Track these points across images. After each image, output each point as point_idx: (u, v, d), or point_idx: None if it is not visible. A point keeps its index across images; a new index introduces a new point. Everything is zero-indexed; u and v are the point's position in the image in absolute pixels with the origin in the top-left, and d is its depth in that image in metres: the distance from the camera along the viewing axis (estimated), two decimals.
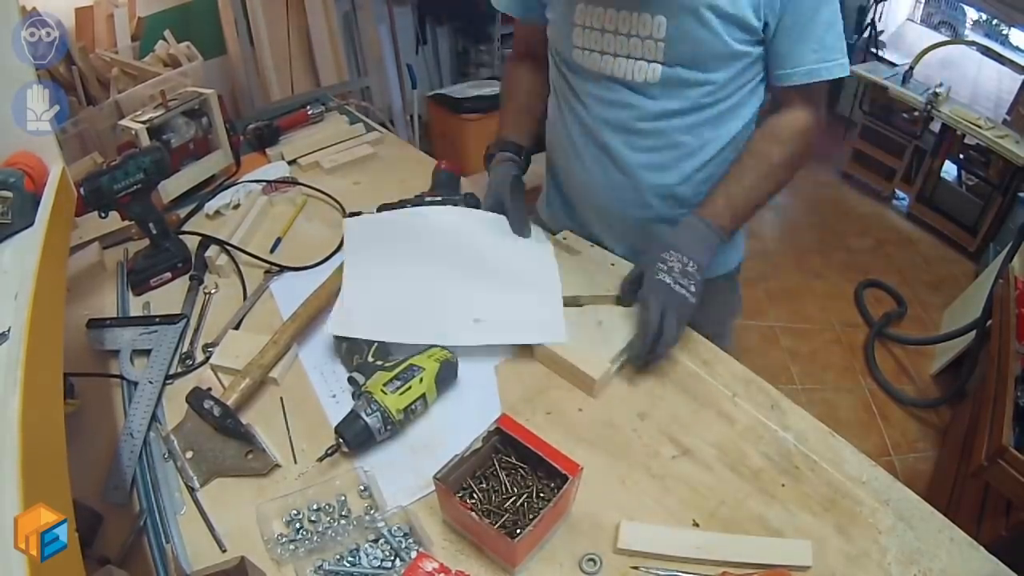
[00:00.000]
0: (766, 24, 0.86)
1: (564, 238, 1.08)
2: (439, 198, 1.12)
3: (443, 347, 0.86)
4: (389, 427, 0.78)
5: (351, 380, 0.85)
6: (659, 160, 0.98)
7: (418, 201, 1.12)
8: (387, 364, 0.83)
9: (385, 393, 0.78)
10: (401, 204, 1.12)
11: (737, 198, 0.92)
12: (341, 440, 0.76)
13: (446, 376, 0.84)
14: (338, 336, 0.89)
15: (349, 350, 0.87)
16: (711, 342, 0.95)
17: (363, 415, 0.77)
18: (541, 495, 0.69)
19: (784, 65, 0.90)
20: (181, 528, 0.71)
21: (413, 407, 0.80)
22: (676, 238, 0.90)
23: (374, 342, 0.86)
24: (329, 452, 0.76)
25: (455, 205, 1.11)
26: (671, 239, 0.90)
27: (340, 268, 1.00)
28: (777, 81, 0.92)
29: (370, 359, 0.85)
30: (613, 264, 1.02)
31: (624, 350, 0.89)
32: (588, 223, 1.12)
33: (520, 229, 1.05)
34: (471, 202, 1.13)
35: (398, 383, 0.80)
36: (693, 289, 0.86)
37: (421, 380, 0.81)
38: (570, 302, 0.95)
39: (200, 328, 0.97)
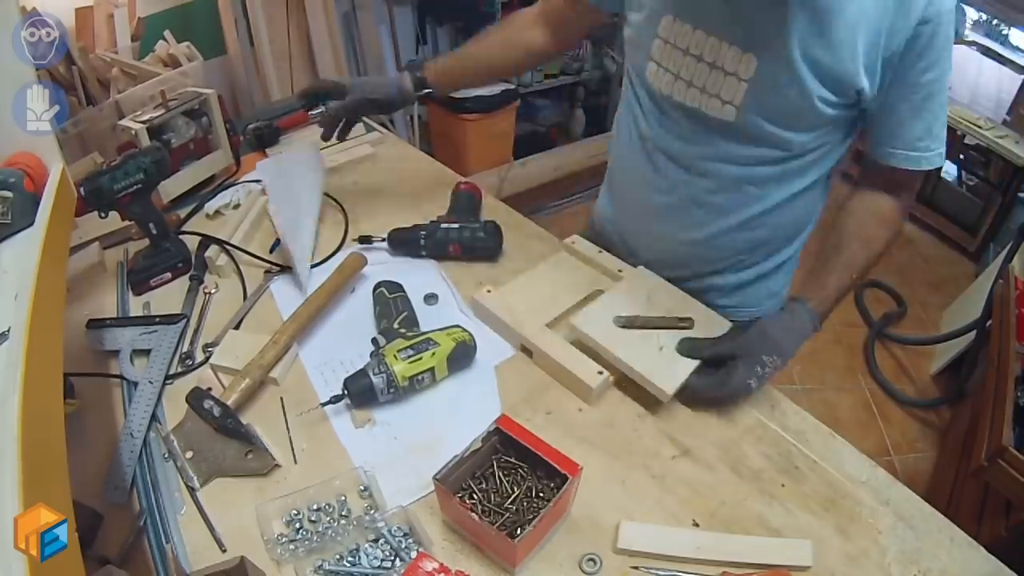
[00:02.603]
0: (863, 88, 0.77)
1: (573, 242, 1.07)
2: (456, 226, 1.07)
3: (464, 329, 0.88)
4: (392, 390, 0.82)
5: (374, 341, 0.90)
6: (714, 200, 0.92)
7: (434, 228, 1.08)
8: (409, 333, 0.88)
9: (396, 359, 0.83)
10: (416, 229, 1.08)
11: (843, 290, 0.88)
12: (346, 392, 0.81)
13: (459, 357, 0.87)
14: (377, 295, 0.96)
15: (381, 313, 0.93)
16: None
17: (371, 374, 0.82)
18: (541, 495, 0.69)
19: (883, 141, 0.84)
20: (181, 528, 0.71)
21: (420, 377, 0.84)
22: (782, 335, 0.84)
23: (404, 311, 0.92)
24: (333, 400, 0.81)
25: (473, 233, 1.07)
26: (777, 334, 0.84)
27: (340, 267, 1.00)
28: (879, 156, 0.85)
29: (395, 326, 0.90)
30: (673, 290, 0.97)
31: (687, 380, 0.84)
32: (633, 238, 1.07)
33: (327, 133, 1.09)
34: (490, 230, 1.07)
35: (411, 352, 0.84)
36: (767, 379, 0.84)
37: (433, 354, 0.85)
38: (627, 323, 0.89)
39: (200, 328, 0.97)
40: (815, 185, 0.93)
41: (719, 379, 0.83)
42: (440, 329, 0.88)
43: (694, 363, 0.85)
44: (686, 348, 0.86)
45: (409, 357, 0.84)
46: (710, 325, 0.91)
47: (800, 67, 0.76)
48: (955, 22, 0.75)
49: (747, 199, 0.92)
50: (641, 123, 0.95)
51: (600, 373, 0.85)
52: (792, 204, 0.93)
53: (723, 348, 0.85)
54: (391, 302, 0.93)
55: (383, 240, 1.10)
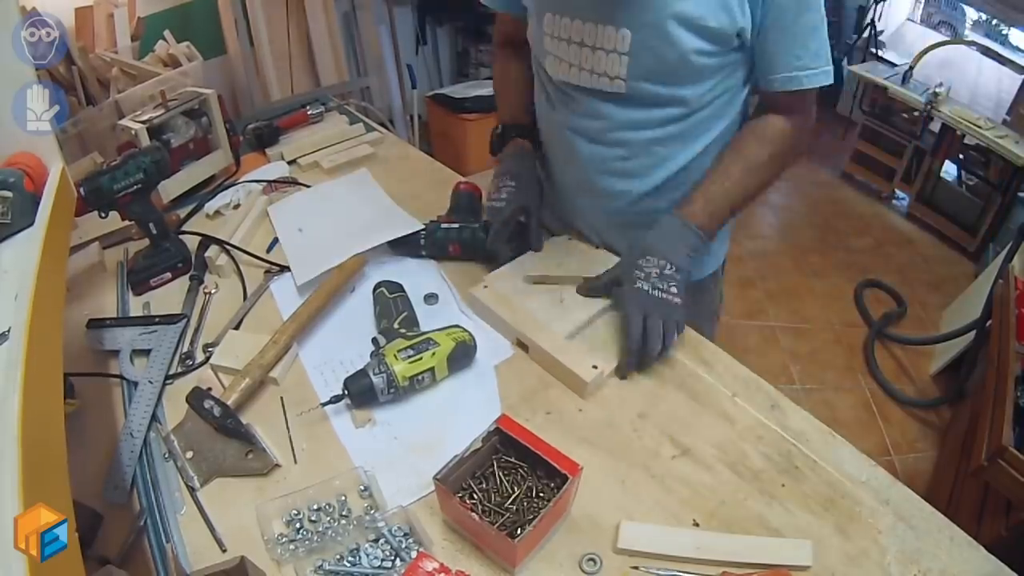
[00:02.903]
0: (742, 29, 0.83)
1: (569, 238, 1.08)
2: (456, 226, 1.07)
3: (464, 329, 0.88)
4: (392, 390, 0.82)
5: (374, 340, 0.90)
6: (628, 167, 0.97)
7: (434, 228, 1.08)
8: (409, 333, 0.88)
9: (397, 359, 0.83)
10: (415, 232, 1.08)
11: (716, 197, 0.91)
12: (346, 392, 0.82)
13: (460, 356, 0.87)
14: (377, 295, 0.96)
15: (381, 313, 0.93)
16: None
17: (371, 374, 0.82)
18: (541, 495, 0.69)
19: (766, 70, 0.88)
20: (181, 528, 0.71)
21: (420, 377, 0.84)
22: (651, 241, 0.89)
23: (404, 311, 0.92)
24: (333, 400, 0.81)
25: (473, 234, 1.06)
26: (647, 242, 0.90)
27: (340, 267, 1.00)
28: (760, 84, 0.90)
29: (395, 326, 0.90)
30: (597, 246, 1.04)
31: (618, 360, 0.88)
32: (568, 214, 1.12)
33: (538, 243, 1.04)
34: (485, 228, 1.05)
35: (411, 352, 0.84)
36: (675, 290, 0.86)
37: (433, 354, 0.85)
38: (538, 280, 0.98)
39: (200, 328, 0.97)
40: (723, 137, 0.96)
41: (626, 334, 0.86)
42: (440, 329, 0.88)
43: (609, 354, 0.88)
44: (584, 288, 0.94)
45: (409, 357, 0.84)
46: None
47: (671, 28, 0.81)
48: None
49: (658, 160, 0.96)
50: (552, 110, 1.01)
51: (594, 367, 0.85)
52: (703, 159, 0.96)
53: (608, 274, 0.93)
54: (391, 302, 0.93)
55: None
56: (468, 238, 1.07)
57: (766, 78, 0.88)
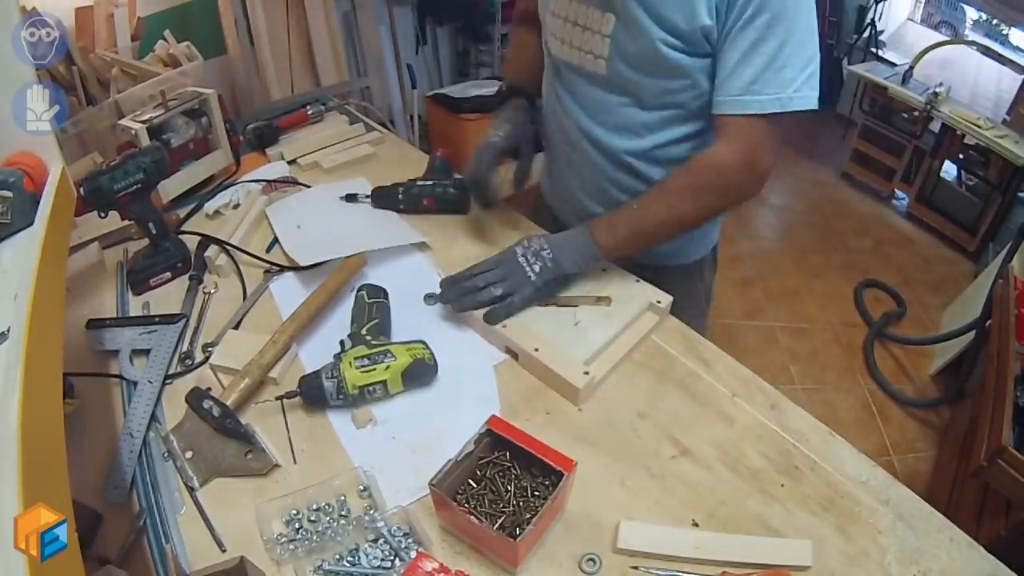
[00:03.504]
0: (706, 29, 0.81)
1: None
2: (430, 182, 1.18)
3: (427, 347, 0.87)
4: (342, 396, 0.82)
5: (341, 342, 0.89)
6: (612, 130, 0.99)
7: (410, 185, 1.18)
8: (373, 341, 0.87)
9: (351, 366, 0.82)
10: (395, 187, 1.18)
11: (624, 221, 0.93)
12: (299, 391, 0.82)
13: (417, 374, 0.85)
14: (357, 297, 0.96)
15: (355, 315, 0.92)
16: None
17: (323, 377, 0.82)
18: (536, 493, 0.69)
19: (721, 89, 0.85)
20: (181, 528, 0.71)
21: (371, 388, 0.83)
22: (554, 236, 0.96)
23: (376, 318, 0.91)
24: (288, 395, 0.82)
25: (444, 189, 1.18)
26: (551, 235, 0.97)
27: (340, 267, 1.00)
28: (714, 107, 0.87)
29: (362, 332, 0.88)
30: (605, 270, 1.01)
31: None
32: (554, 194, 1.20)
33: (519, 186, 1.11)
34: (457, 185, 1.18)
35: (366, 362, 0.83)
36: (537, 269, 0.92)
37: (387, 368, 0.83)
38: (547, 302, 0.96)
39: (200, 328, 0.97)
40: (701, 134, 0.96)
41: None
42: (402, 342, 0.87)
43: (602, 358, 0.89)
44: (491, 316, 0.92)
45: (364, 366, 0.82)
46: (630, 302, 0.95)
47: (640, 16, 0.84)
48: None
49: (634, 145, 0.98)
50: (551, 89, 1.07)
51: (586, 373, 0.84)
52: (678, 148, 0.97)
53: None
54: (368, 307, 0.92)
55: (367, 197, 1.20)
56: (440, 193, 1.17)
57: (716, 99, 0.85)
